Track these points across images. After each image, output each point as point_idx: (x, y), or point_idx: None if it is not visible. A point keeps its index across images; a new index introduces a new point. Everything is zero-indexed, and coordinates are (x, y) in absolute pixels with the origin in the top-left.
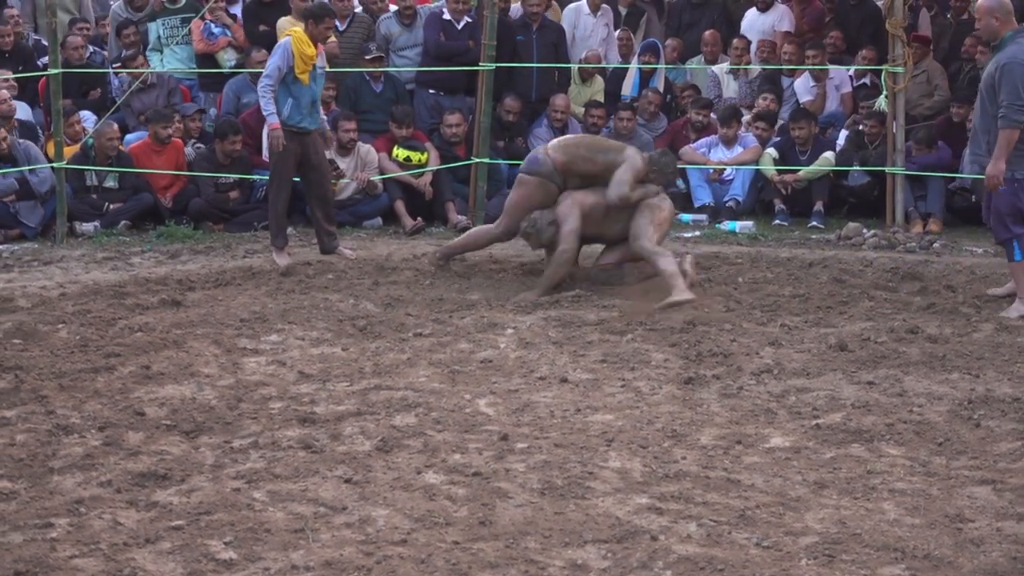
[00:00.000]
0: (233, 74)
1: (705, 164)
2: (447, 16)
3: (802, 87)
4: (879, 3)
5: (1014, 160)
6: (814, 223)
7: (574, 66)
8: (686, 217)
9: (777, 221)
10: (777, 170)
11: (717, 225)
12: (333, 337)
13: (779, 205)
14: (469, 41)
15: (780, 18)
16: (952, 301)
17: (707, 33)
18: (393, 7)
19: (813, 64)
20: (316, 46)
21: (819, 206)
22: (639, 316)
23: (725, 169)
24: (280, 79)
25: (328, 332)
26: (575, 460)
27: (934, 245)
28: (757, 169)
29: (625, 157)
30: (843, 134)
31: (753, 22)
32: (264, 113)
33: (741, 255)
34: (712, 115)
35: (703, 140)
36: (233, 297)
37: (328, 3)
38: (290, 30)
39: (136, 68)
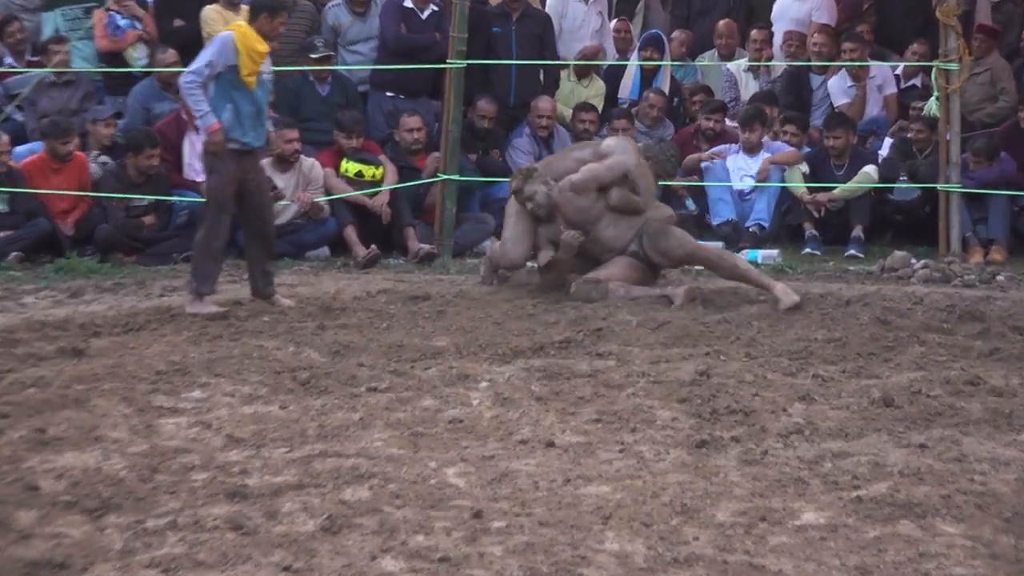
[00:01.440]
0: (146, 74)
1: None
2: (409, 3)
3: (837, 88)
4: None
5: None
6: (852, 251)
7: (562, 63)
8: (753, 254)
9: (808, 249)
10: (808, 188)
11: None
12: (269, 393)
13: (810, 230)
14: (435, 33)
15: (819, 6)
16: (1020, 346)
17: (722, 23)
18: None
19: (850, 60)
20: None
21: (858, 231)
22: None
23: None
24: (212, 78)
25: (263, 387)
26: (564, 542)
27: (997, 278)
28: (783, 187)
29: (611, 150)
30: (887, 143)
31: (785, 9)
32: (195, 115)
33: (764, 291)
34: (728, 121)
35: (719, 148)
36: (147, 344)
37: None
38: (232, 25)
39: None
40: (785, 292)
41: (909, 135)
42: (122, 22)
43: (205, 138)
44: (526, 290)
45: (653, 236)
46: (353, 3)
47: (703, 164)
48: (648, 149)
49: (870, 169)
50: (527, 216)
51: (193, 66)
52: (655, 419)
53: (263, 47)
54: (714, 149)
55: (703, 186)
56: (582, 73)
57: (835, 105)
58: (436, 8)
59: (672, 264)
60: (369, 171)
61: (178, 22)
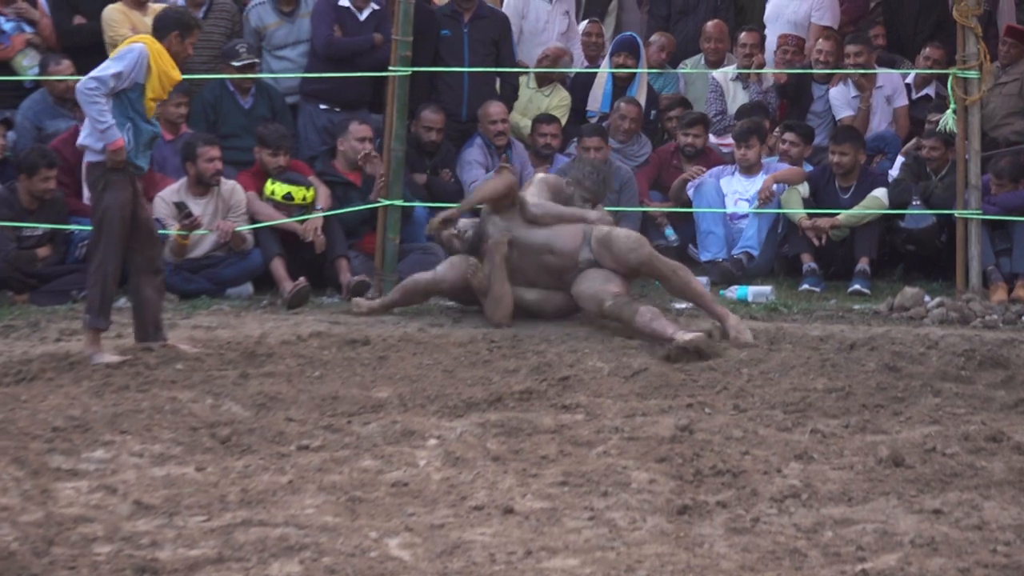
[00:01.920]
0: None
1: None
2: (345, 2)
3: (840, 98)
4: None
5: None
6: (856, 287)
7: (522, 71)
8: (743, 291)
9: (806, 285)
10: (807, 213)
11: (723, 292)
12: (184, 452)
13: (808, 263)
14: (375, 35)
15: (819, 5)
16: None
17: (710, 24)
18: None
19: (855, 66)
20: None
21: (863, 264)
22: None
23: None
24: (113, 92)
25: (176, 445)
26: None
27: (1023, 318)
28: (779, 212)
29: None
30: (897, 162)
31: (780, 10)
32: (97, 126)
33: (756, 333)
34: (713, 137)
35: (714, 170)
36: (42, 396)
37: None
38: (141, 37)
39: None
40: (739, 328)
41: (922, 153)
42: (7, 25)
43: (104, 155)
44: (480, 333)
45: (603, 240)
46: (280, 2)
47: (689, 184)
48: (565, 169)
49: (879, 193)
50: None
51: (99, 72)
52: (630, 481)
53: (176, 73)
54: (712, 171)
55: (691, 213)
56: (543, 80)
57: (837, 118)
58: (377, 7)
59: (625, 271)
60: (299, 193)
61: (79, 19)
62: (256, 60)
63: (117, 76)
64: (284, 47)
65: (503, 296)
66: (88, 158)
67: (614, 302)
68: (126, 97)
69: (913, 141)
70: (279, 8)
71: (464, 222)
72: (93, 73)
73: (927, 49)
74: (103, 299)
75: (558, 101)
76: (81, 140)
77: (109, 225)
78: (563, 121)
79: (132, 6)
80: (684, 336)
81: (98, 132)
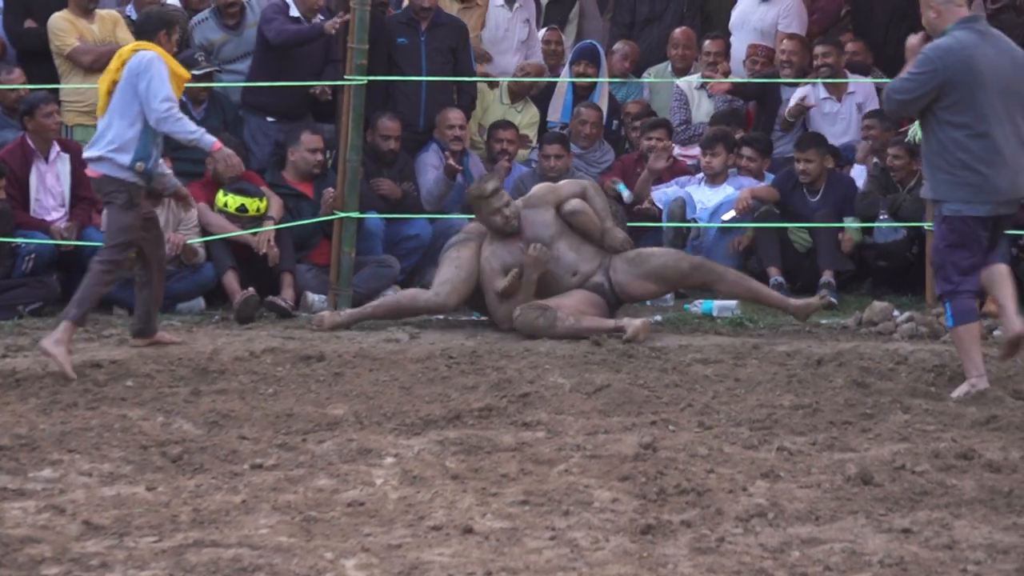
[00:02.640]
0: None
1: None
2: (295, 12)
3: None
4: None
5: (941, 188)
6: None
7: (488, 79)
8: (708, 305)
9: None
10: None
11: (687, 306)
12: (134, 471)
13: (775, 277)
14: (328, 22)
15: (787, 12)
16: (1021, 413)
17: (678, 31)
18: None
19: (826, 70)
20: None
21: (828, 276)
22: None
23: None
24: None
25: (127, 464)
26: None
27: (994, 333)
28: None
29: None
30: (858, 170)
31: (746, 17)
32: (191, 138)
33: (721, 349)
34: (678, 148)
35: (680, 180)
36: None
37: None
38: (141, 45)
39: None
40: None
41: (887, 161)
42: None
43: (131, 173)
44: (439, 349)
45: (635, 261)
46: (224, 16)
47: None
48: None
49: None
50: (469, 260)
51: (162, 95)
52: (592, 500)
53: (185, 72)
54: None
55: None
56: (517, 96)
57: (784, 113)
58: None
59: (667, 287)
60: (253, 204)
61: (29, 23)
62: (216, 68)
63: (171, 88)
64: (234, 60)
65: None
66: (107, 171)
67: (521, 313)
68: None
69: (866, 147)
70: (223, 23)
71: (514, 206)
72: (157, 97)
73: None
74: (93, 301)
75: (529, 118)
76: (100, 152)
77: (126, 239)
78: (532, 136)
79: (79, 13)
80: (637, 320)
81: (194, 141)
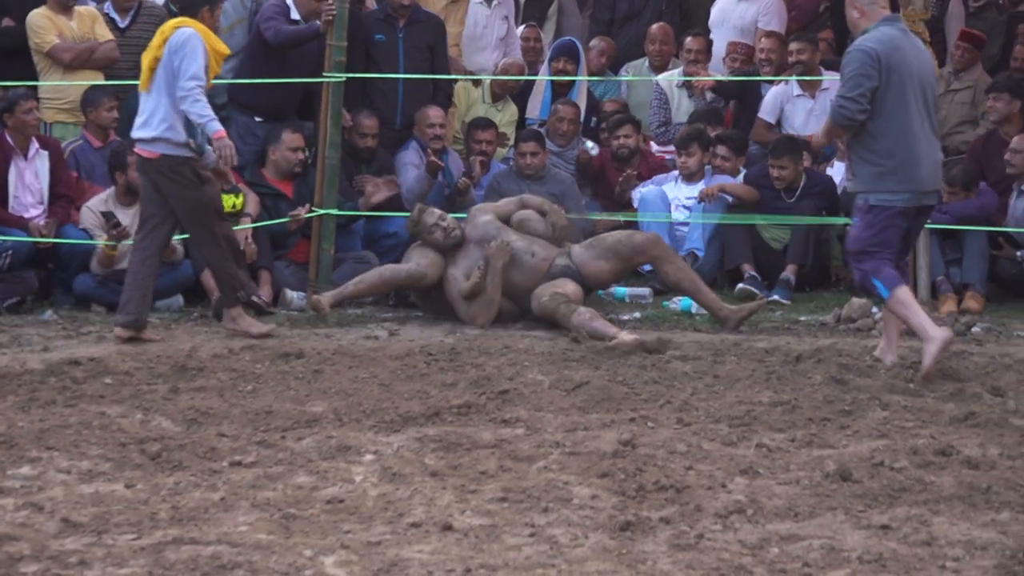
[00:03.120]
0: None
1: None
2: (296, 15)
3: (774, 98)
4: None
5: (867, 179)
6: (775, 297)
7: (470, 77)
8: (620, 292)
9: (775, 296)
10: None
11: (666, 303)
12: (113, 469)
13: (749, 271)
14: (318, 22)
15: (767, 10)
16: (999, 409)
17: (655, 27)
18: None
19: (799, 67)
20: None
21: (788, 273)
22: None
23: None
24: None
25: (105, 462)
26: None
27: (973, 330)
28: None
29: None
30: (839, 168)
31: (725, 15)
32: (201, 120)
33: (700, 346)
34: (656, 146)
35: (657, 178)
36: None
37: None
38: (181, 21)
39: None
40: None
41: None
42: None
43: (213, 147)
44: (418, 346)
45: (592, 244)
46: None
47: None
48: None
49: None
50: (435, 252)
51: (189, 72)
52: (571, 497)
53: (224, 47)
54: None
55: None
56: (498, 94)
57: (759, 115)
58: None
59: (622, 263)
60: (229, 201)
61: (7, 21)
62: None
63: (203, 68)
64: None
65: (494, 301)
66: (161, 150)
67: (550, 298)
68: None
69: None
70: None
71: (451, 219)
72: (187, 72)
73: None
74: (233, 281)
75: (509, 116)
76: (155, 132)
77: (217, 213)
78: (511, 134)
79: (58, 10)
80: (629, 336)
81: (204, 125)
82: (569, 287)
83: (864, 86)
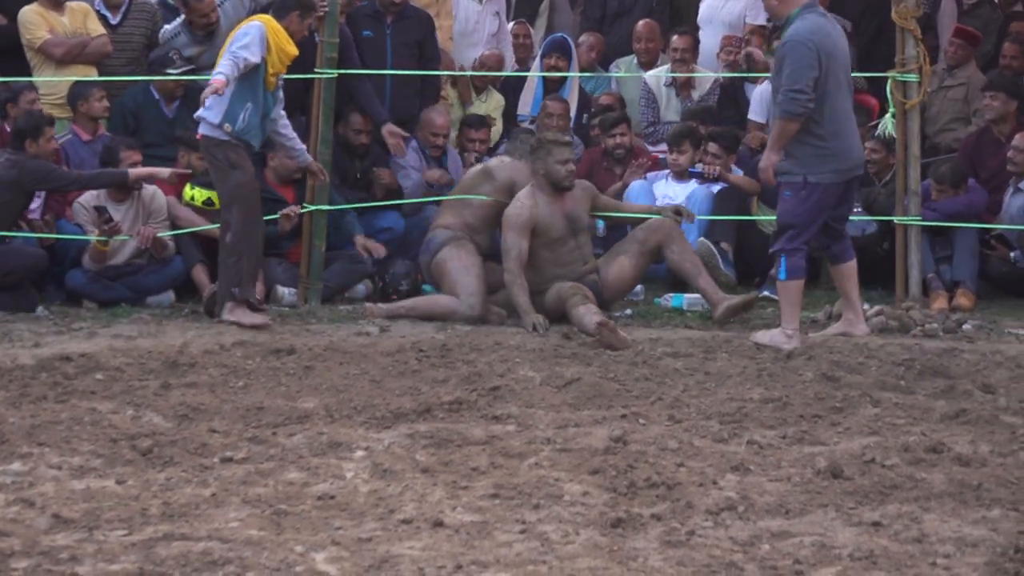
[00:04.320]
0: None
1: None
2: None
3: (760, 98)
4: None
5: (808, 160)
6: (766, 293)
7: (453, 73)
8: (679, 299)
9: (765, 292)
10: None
11: (657, 300)
12: (104, 465)
13: (725, 248)
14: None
15: (754, 5)
16: (990, 407)
17: (641, 24)
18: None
19: None
20: None
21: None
22: None
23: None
24: (246, 68)
25: (96, 457)
26: None
27: (964, 327)
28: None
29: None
30: None
31: (713, 11)
32: (217, 72)
33: (691, 342)
34: (649, 147)
35: (648, 176)
36: None
37: None
38: (258, 17)
39: None
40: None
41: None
42: None
43: (221, 132)
44: (409, 342)
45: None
46: (194, 27)
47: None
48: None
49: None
50: (476, 261)
51: (235, 46)
52: (562, 494)
53: (293, 49)
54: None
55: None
56: (479, 87)
57: (750, 118)
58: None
59: (637, 246)
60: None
61: (0, 20)
62: (193, 67)
63: (251, 55)
64: (212, 67)
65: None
66: (203, 131)
67: (571, 287)
68: (250, 75)
69: None
70: (196, 37)
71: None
72: (231, 48)
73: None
74: (248, 272)
75: (494, 105)
76: (199, 113)
77: (244, 201)
78: (499, 125)
79: (49, 7)
80: (596, 318)
81: (217, 74)
82: (590, 295)
83: (808, 76)
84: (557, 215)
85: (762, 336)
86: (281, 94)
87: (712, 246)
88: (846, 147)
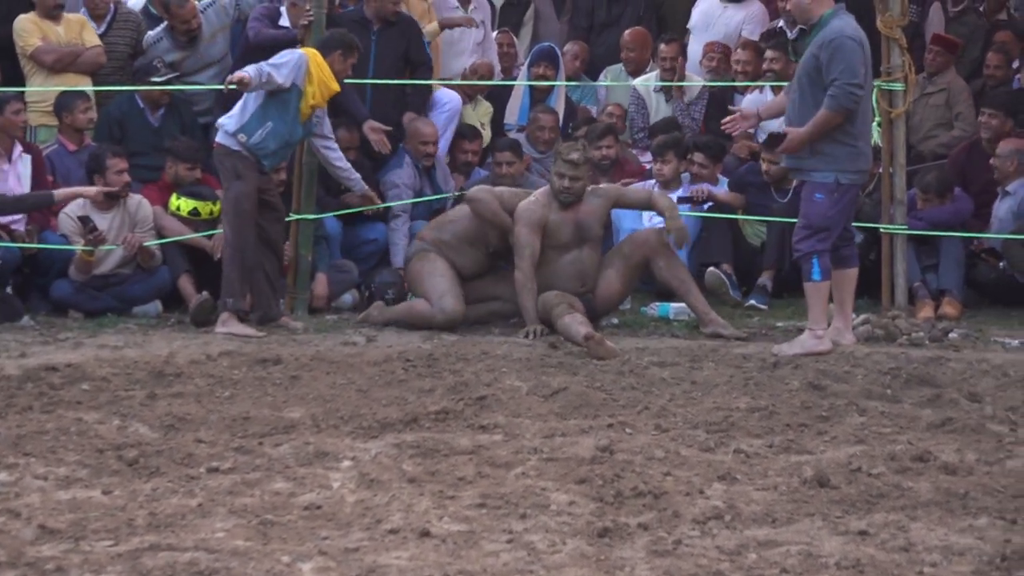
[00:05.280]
0: None
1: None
2: (285, 23)
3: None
4: None
5: (841, 159)
6: (752, 302)
7: (446, 83)
8: (664, 308)
9: (752, 302)
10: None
11: (643, 309)
12: (90, 475)
13: (726, 270)
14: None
15: (752, 17)
16: (977, 415)
17: (628, 33)
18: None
19: (774, 71)
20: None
21: (765, 278)
22: None
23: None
24: (268, 86)
25: (82, 468)
26: None
27: (950, 335)
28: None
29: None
30: None
31: (708, 18)
32: (237, 73)
33: (678, 352)
34: (639, 154)
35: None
36: None
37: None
38: (307, 50)
39: None
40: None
41: None
42: None
43: (234, 141)
44: (396, 352)
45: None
46: (176, 33)
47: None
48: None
49: None
50: (446, 267)
51: (268, 63)
52: (549, 503)
53: (336, 85)
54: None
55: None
56: (470, 94)
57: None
58: None
59: (625, 261)
60: (206, 208)
61: None
62: (176, 75)
63: (276, 74)
64: (195, 72)
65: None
66: (218, 138)
67: (556, 295)
68: (281, 97)
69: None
70: (178, 42)
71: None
72: (267, 63)
73: None
74: (240, 280)
75: (483, 111)
76: (219, 120)
77: (237, 213)
78: (488, 132)
79: (44, 16)
80: (584, 329)
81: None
82: (577, 304)
83: (860, 74)
84: (567, 220)
85: (789, 348)
86: (323, 128)
87: (721, 275)
88: (867, 148)
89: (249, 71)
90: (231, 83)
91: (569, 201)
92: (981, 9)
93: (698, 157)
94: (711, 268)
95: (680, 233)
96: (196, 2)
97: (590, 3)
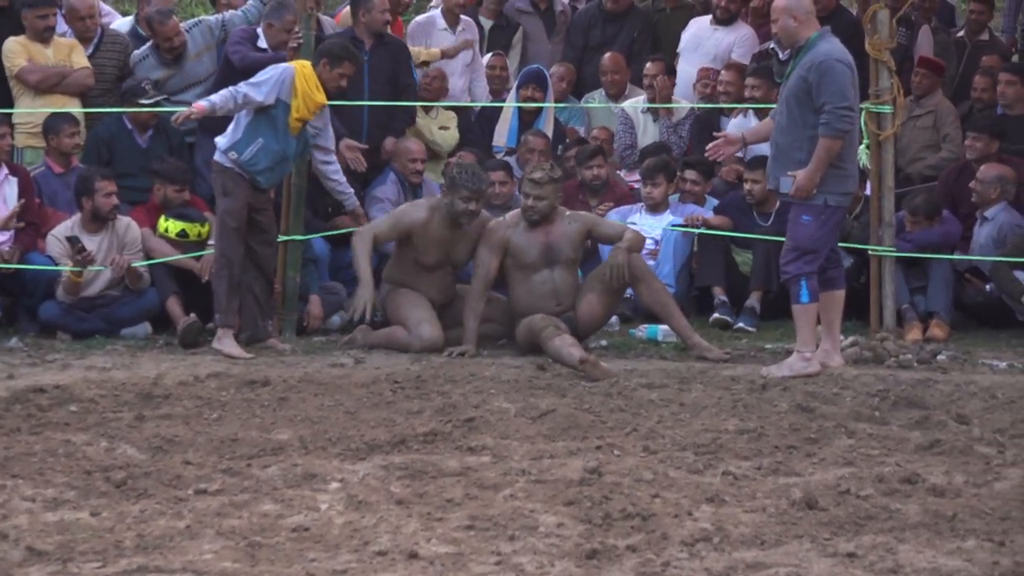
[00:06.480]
0: None
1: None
2: (263, 44)
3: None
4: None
5: (829, 181)
6: (740, 324)
7: (447, 104)
8: (653, 330)
9: (741, 324)
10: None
11: (632, 332)
12: (78, 497)
13: (720, 296)
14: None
15: (742, 41)
16: (965, 437)
17: (607, 57)
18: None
19: (756, 98)
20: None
21: (753, 300)
22: None
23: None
24: (251, 106)
25: (70, 489)
26: None
27: (938, 358)
28: (692, 241)
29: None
30: None
31: (700, 40)
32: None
33: (666, 374)
34: (626, 176)
35: (621, 209)
36: None
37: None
38: (296, 62)
39: None
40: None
41: None
42: None
43: (225, 159)
44: (383, 373)
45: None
46: (161, 51)
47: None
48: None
49: None
50: (419, 296)
51: (246, 82)
52: (537, 525)
53: (321, 97)
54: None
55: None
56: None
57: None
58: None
59: (604, 285)
60: (194, 229)
61: None
62: (164, 97)
63: (258, 94)
64: (180, 91)
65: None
66: (215, 156)
67: (542, 318)
68: (269, 114)
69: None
70: (163, 60)
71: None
72: (246, 84)
73: None
74: (228, 297)
75: (445, 119)
76: (216, 138)
77: (224, 230)
78: (456, 135)
79: (33, 38)
80: (578, 352)
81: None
82: (563, 326)
83: (850, 96)
84: (535, 241)
85: (777, 370)
86: (324, 140)
87: (726, 317)
88: (855, 171)
89: (215, 98)
90: (177, 121)
91: (534, 220)
92: (960, 36)
93: (690, 175)
94: (714, 315)
95: (616, 271)
96: (180, 21)
97: (585, 23)
